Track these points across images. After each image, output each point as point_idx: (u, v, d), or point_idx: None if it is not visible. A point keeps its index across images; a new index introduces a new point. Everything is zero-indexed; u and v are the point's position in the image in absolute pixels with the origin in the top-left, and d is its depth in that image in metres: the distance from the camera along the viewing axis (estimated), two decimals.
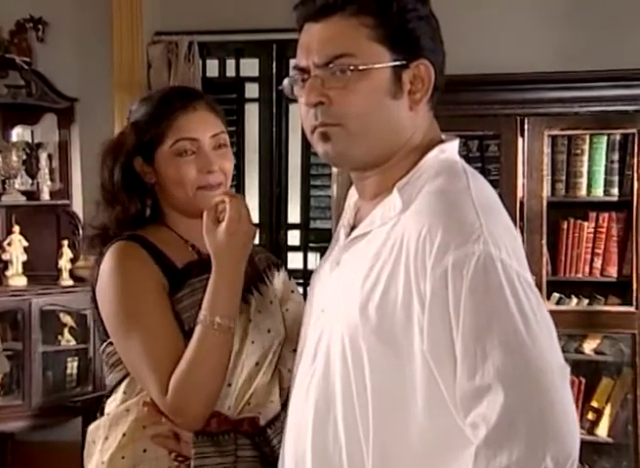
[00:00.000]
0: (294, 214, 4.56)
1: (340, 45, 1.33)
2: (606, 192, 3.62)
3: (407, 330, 1.27)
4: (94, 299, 1.75)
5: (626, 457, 3.60)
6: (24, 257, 4.38)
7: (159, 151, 1.76)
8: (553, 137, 3.61)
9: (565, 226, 3.66)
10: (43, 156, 4.51)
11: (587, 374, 3.62)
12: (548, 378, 1.21)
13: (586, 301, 3.67)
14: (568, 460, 1.20)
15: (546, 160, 3.58)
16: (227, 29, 4.41)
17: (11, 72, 4.42)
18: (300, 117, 1.41)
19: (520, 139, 3.55)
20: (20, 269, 4.38)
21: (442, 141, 1.42)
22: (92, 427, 1.75)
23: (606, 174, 3.61)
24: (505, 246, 1.26)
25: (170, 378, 1.62)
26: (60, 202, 4.55)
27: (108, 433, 1.70)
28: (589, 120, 3.55)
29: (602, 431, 3.60)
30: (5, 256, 4.37)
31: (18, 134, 4.63)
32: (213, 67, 4.60)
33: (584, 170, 3.61)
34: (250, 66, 4.57)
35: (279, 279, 1.86)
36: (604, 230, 3.63)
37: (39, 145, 4.57)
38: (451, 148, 1.41)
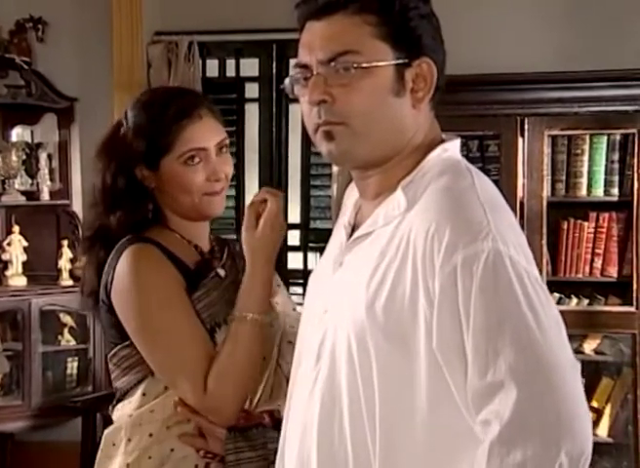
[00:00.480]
0: (294, 214, 4.55)
1: (343, 42, 1.32)
2: (606, 192, 3.63)
3: (414, 328, 1.26)
4: (104, 302, 1.74)
5: (626, 457, 3.60)
6: (24, 257, 4.38)
7: (165, 159, 1.76)
8: (553, 137, 3.61)
9: (565, 226, 3.66)
10: (43, 156, 4.51)
11: (587, 374, 3.60)
12: (560, 374, 1.21)
13: (586, 301, 3.67)
14: (582, 456, 1.19)
15: (546, 160, 3.58)
16: (227, 29, 4.41)
17: (11, 72, 4.41)
18: (302, 116, 1.40)
19: (520, 139, 3.55)
20: (20, 269, 4.38)
21: (443, 141, 1.42)
22: (110, 429, 1.75)
23: (606, 174, 3.61)
24: (512, 243, 1.26)
25: (205, 377, 1.65)
26: (59, 202, 4.55)
27: (131, 434, 1.70)
28: (589, 120, 3.55)
29: (602, 431, 3.60)
30: (5, 256, 4.37)
31: (17, 134, 4.62)
32: (213, 67, 4.60)
33: (584, 170, 3.61)
34: (250, 66, 4.57)
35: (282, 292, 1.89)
36: (604, 230, 3.63)
37: (39, 145, 4.56)
38: (453, 147, 1.41)
